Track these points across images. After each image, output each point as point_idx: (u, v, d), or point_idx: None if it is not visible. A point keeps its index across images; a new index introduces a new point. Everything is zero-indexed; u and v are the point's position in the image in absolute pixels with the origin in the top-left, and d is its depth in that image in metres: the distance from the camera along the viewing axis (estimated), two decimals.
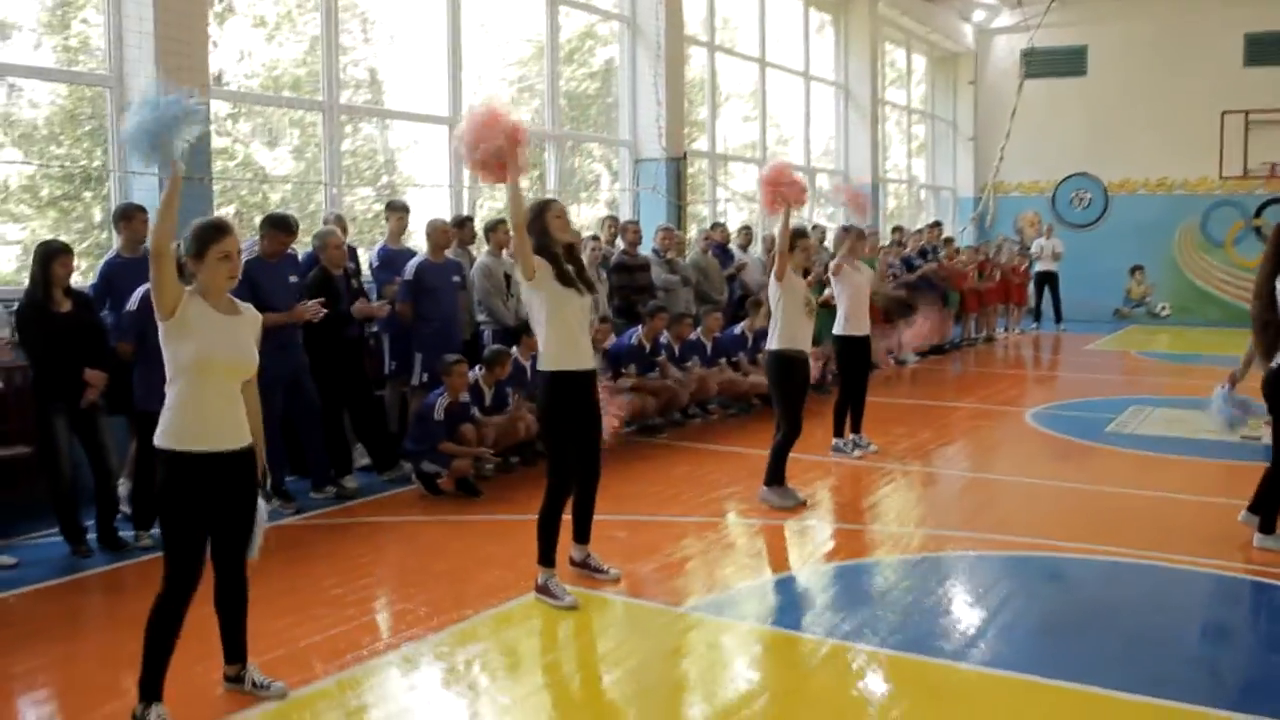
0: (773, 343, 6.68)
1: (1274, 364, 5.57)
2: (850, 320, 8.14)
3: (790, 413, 6.68)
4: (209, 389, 3.70)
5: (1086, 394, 11.48)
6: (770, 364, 6.73)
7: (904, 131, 19.66)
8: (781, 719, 3.94)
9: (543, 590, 5.01)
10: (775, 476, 6.74)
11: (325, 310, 6.58)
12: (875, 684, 4.28)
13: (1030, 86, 19.49)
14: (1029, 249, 18.02)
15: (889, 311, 11.82)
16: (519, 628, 4.76)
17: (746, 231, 12.21)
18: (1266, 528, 5.81)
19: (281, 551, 6.11)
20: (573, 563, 5.36)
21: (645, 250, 10.53)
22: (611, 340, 8.88)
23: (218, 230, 3.71)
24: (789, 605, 5.16)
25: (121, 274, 6.31)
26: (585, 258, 9.11)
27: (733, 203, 14.79)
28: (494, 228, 8.25)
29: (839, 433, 8.28)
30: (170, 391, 3.72)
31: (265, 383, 6.53)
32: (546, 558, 5.03)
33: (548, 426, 5.07)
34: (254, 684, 4.04)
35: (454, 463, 6.82)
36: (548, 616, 4.87)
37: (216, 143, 11.32)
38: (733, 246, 11.78)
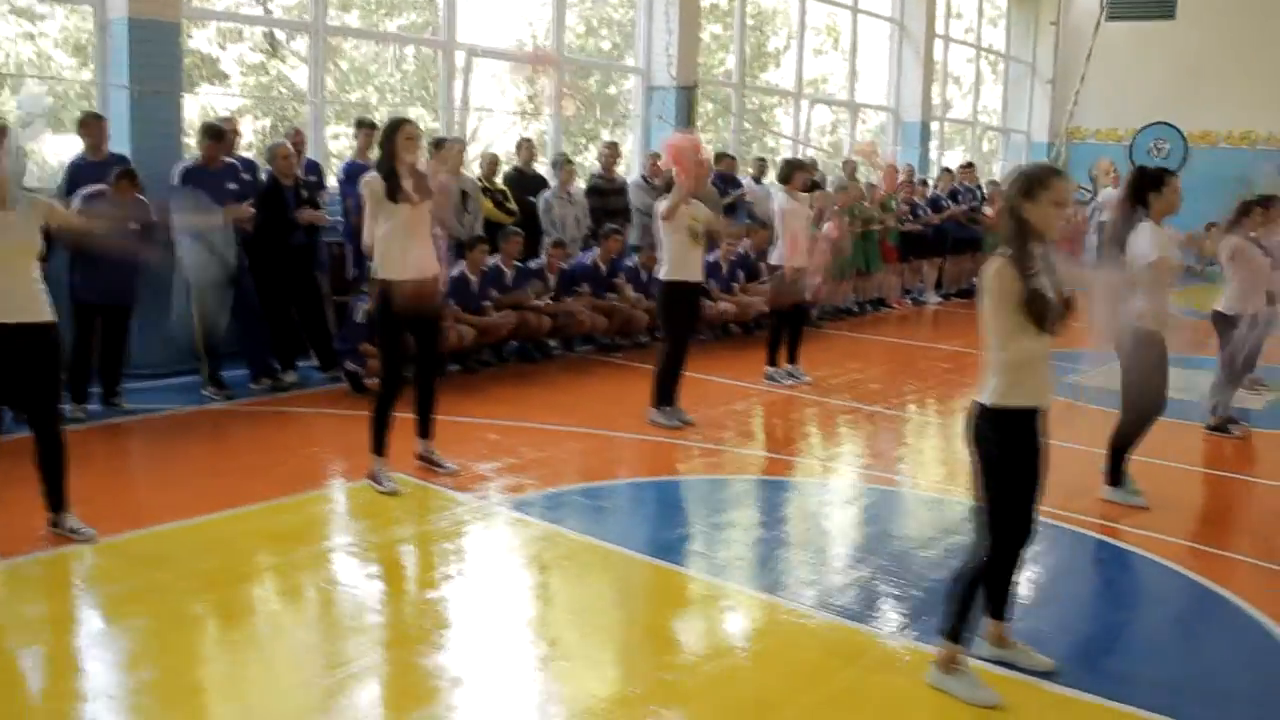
0: (663, 274, 6.97)
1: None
2: (786, 253, 8.35)
3: (675, 337, 6.99)
4: None
5: (1083, 345, 11.32)
6: (660, 294, 7.02)
7: (992, 69, 19.17)
8: (491, 597, 4.38)
9: (371, 476, 5.54)
10: (662, 398, 7.09)
11: (253, 212, 7.19)
12: (622, 585, 4.68)
13: (1115, 29, 18.72)
14: (1093, 199, 17.48)
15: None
16: (326, 506, 5.31)
17: (760, 163, 12.44)
18: (1113, 480, 5.91)
19: (195, 430, 6.82)
20: (417, 456, 5.87)
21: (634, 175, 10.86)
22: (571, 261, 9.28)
23: None
24: (588, 509, 5.50)
25: (83, 174, 7.06)
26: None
27: (767, 137, 14.85)
28: (438, 145, 8.64)
29: (772, 361, 8.53)
30: None
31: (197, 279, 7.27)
32: (377, 447, 5.55)
33: (379, 329, 5.56)
34: (69, 529, 4.70)
35: (368, 363, 7.38)
36: (368, 500, 5.39)
37: (251, 59, 12.09)
38: (743, 177, 12.04)
